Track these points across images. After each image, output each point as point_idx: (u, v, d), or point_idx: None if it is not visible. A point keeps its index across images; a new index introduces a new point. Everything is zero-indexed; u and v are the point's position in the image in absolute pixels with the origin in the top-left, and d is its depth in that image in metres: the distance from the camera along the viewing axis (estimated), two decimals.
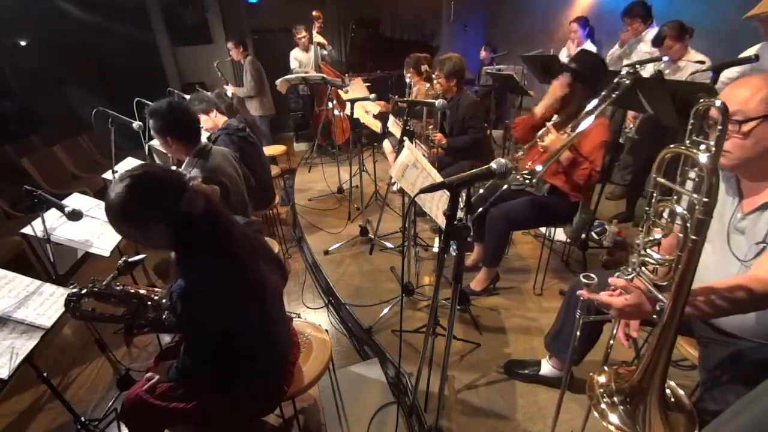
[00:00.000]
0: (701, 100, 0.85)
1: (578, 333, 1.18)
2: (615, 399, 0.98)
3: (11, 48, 5.33)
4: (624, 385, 0.99)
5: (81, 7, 5.29)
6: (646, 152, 3.12)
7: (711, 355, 1.18)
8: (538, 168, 1.73)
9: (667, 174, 0.93)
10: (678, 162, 0.95)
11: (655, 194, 0.96)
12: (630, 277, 1.01)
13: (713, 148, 0.79)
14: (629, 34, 3.31)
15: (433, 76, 2.91)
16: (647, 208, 0.98)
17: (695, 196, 0.80)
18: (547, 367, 1.78)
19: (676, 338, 0.90)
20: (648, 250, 0.98)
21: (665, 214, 0.97)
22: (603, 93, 1.78)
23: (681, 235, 0.84)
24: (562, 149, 1.79)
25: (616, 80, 1.77)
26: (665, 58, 2.85)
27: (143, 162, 1.75)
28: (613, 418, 0.95)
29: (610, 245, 2.85)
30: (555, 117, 2.01)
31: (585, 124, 1.76)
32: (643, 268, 0.99)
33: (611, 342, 1.18)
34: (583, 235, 2.51)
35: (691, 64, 2.69)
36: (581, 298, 1.10)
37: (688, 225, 0.81)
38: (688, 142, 0.86)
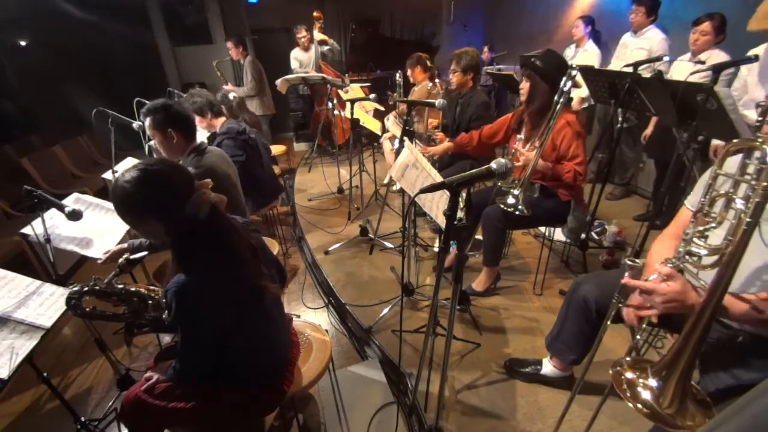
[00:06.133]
0: None
1: (608, 323, 1.18)
2: (649, 379, 0.98)
3: (11, 48, 5.33)
4: (656, 366, 0.99)
5: (81, 7, 5.29)
6: (662, 154, 3.10)
7: (710, 353, 1.18)
8: (516, 192, 1.90)
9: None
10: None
11: (712, 185, 1.01)
12: (674, 266, 1.02)
13: None
14: (634, 18, 3.28)
15: (450, 69, 2.90)
16: (702, 199, 1.02)
17: (754, 182, 0.87)
18: (548, 367, 1.78)
19: (714, 317, 0.91)
20: (696, 240, 1.01)
21: (716, 206, 1.01)
22: (555, 99, 1.92)
23: (734, 221, 0.89)
24: (534, 163, 1.93)
25: (560, 86, 1.89)
26: (666, 58, 2.85)
27: (161, 158, 1.75)
28: (646, 394, 0.96)
29: (610, 245, 2.85)
30: (519, 137, 2.20)
31: (545, 136, 1.94)
32: (687, 257, 1.01)
33: (638, 337, 1.17)
34: (583, 235, 2.51)
35: (693, 65, 2.68)
36: (624, 284, 1.08)
37: (744, 213, 0.87)
38: (754, 137, 0.92)
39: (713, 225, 1.01)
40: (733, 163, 1.01)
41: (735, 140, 0.97)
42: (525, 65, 2.15)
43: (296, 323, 1.64)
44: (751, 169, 0.93)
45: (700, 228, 1.02)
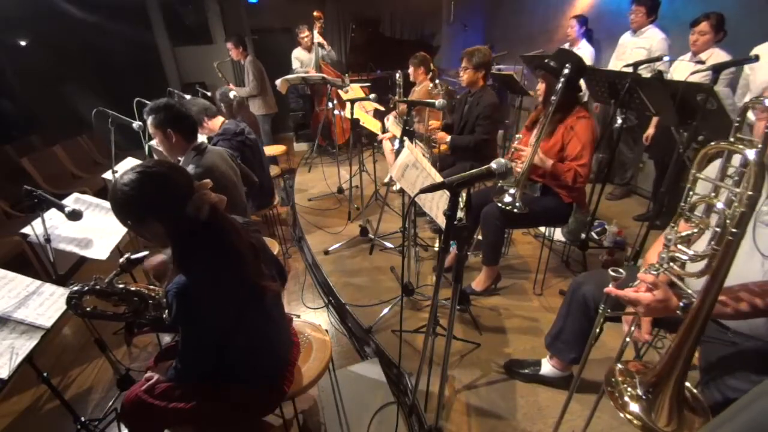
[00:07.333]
0: (751, 99, 0.89)
1: (597, 330, 1.18)
2: (639, 391, 0.98)
3: (11, 48, 5.33)
4: (646, 378, 0.99)
5: (81, 7, 5.29)
6: (662, 154, 3.10)
7: (711, 354, 1.18)
8: (512, 191, 1.90)
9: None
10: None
11: (691, 189, 0.98)
12: (657, 272, 1.02)
13: (759, 145, 0.80)
14: (634, 18, 3.27)
15: (461, 68, 2.89)
16: (682, 204, 1.00)
17: (737, 190, 0.82)
18: (547, 367, 1.78)
19: (703, 330, 0.89)
20: (679, 246, 0.99)
21: (697, 211, 0.99)
22: (552, 97, 1.95)
23: (718, 229, 0.85)
24: (530, 159, 1.96)
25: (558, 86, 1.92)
26: (666, 58, 2.84)
27: (159, 159, 1.75)
28: (634, 407, 0.95)
29: (610, 245, 2.85)
30: (517, 136, 2.22)
31: (543, 129, 1.97)
32: (671, 264, 1.00)
33: (627, 340, 1.18)
34: (583, 235, 2.51)
35: (694, 65, 2.68)
36: (608, 294, 1.09)
37: (728, 219, 0.82)
38: (732, 138, 0.88)
39: (695, 231, 0.99)
40: (714, 166, 1.00)
41: (712, 142, 0.91)
42: (540, 67, 2.13)
43: (296, 323, 1.64)
44: (731, 172, 0.91)
45: (683, 233, 1.00)
